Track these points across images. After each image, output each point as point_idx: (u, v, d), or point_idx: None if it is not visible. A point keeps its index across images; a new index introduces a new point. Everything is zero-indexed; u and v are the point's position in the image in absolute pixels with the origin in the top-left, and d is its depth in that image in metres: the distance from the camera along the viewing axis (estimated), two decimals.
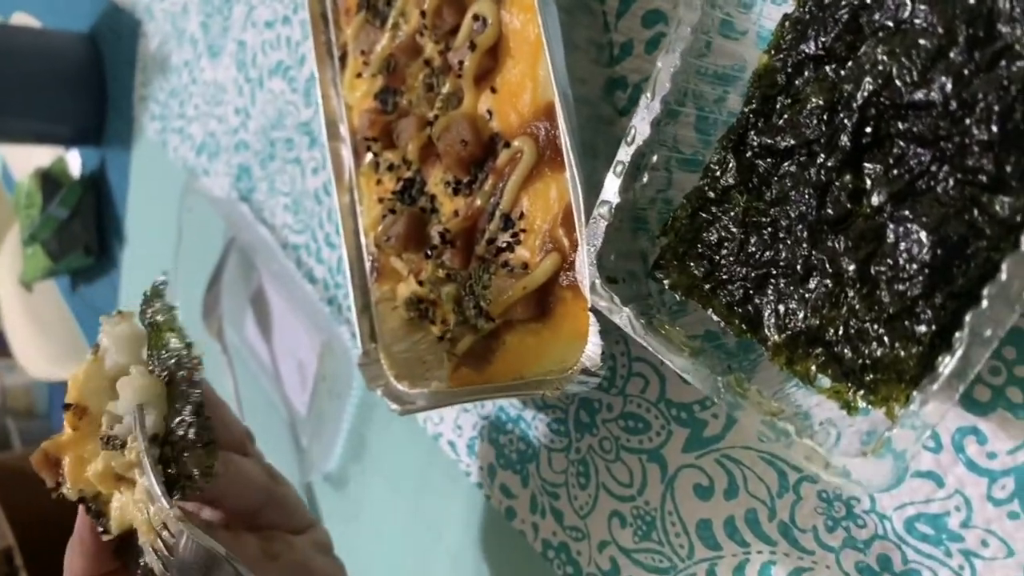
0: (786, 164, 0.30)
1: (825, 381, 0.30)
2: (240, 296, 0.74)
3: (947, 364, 0.24)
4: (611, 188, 0.32)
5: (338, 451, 0.64)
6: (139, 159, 0.97)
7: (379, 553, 0.62)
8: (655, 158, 0.32)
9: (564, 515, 0.47)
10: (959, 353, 0.24)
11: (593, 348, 0.34)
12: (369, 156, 0.47)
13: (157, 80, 0.91)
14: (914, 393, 0.25)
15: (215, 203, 0.75)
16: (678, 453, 0.40)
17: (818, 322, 0.29)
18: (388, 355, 0.47)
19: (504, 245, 0.39)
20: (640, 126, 0.31)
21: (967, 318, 0.24)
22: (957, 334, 0.24)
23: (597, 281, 0.33)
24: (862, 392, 0.28)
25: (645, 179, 0.32)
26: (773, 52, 0.30)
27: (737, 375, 0.30)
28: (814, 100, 0.29)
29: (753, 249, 0.31)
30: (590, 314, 0.34)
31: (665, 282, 0.33)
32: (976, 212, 0.25)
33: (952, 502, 0.31)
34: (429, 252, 0.42)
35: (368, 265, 0.48)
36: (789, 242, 0.29)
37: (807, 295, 0.29)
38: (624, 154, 0.32)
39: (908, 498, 0.32)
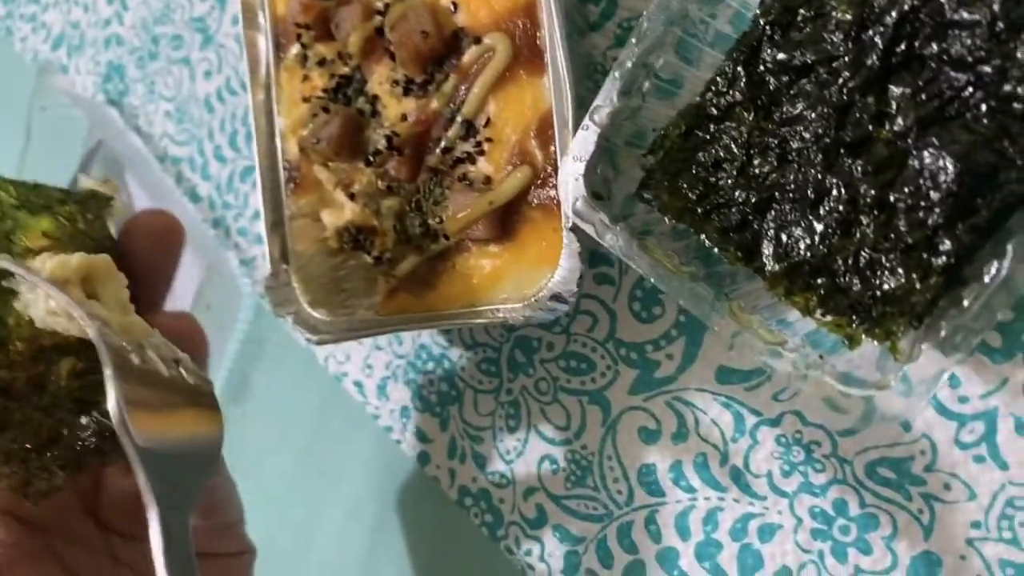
0: (803, 81, 0.28)
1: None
2: None
3: (981, 293, 0.23)
4: (609, 92, 0.29)
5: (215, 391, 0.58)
6: None
7: (258, 507, 0.57)
8: (660, 62, 0.29)
9: (487, 460, 0.44)
10: (997, 280, 0.23)
11: (568, 272, 0.31)
12: (295, 48, 0.41)
13: None
14: (941, 323, 0.24)
15: (79, 103, 0.65)
16: (624, 395, 0.38)
17: (826, 251, 0.27)
18: (302, 279, 0.42)
19: (463, 156, 0.35)
20: (653, 23, 0.28)
21: (1009, 246, 0.23)
22: (995, 263, 0.23)
23: (583, 196, 0.29)
24: (866, 326, 0.26)
25: (646, 86, 0.29)
26: None
27: (737, 302, 0.28)
28: (840, 14, 0.27)
29: (757, 171, 0.29)
30: (570, 234, 0.31)
31: (654, 204, 0.30)
32: (1007, 142, 0.24)
33: (918, 446, 0.31)
34: (371, 159, 0.37)
35: (283, 175, 0.42)
36: (799, 165, 0.28)
37: (815, 222, 0.27)
38: (629, 54, 0.28)
39: (872, 442, 0.32)
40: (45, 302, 0.30)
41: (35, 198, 0.32)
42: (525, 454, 0.42)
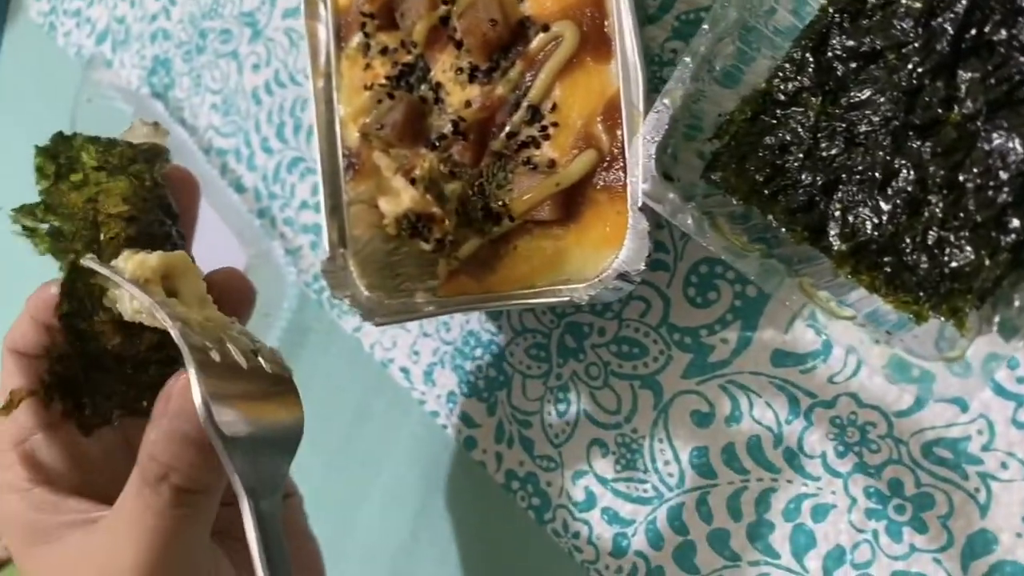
0: (871, 67, 0.29)
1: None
2: None
3: None
4: (682, 76, 0.30)
5: None
6: (13, 44, 0.85)
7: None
8: (730, 48, 0.30)
9: (535, 444, 0.44)
10: None
11: (634, 252, 0.32)
12: (358, 37, 0.42)
13: None
14: (1013, 297, 0.25)
15: (124, 95, 0.66)
16: (676, 379, 0.39)
17: (893, 230, 0.28)
18: (358, 263, 0.43)
19: (528, 140, 0.36)
20: (727, 10, 0.29)
21: None
22: None
23: (654, 176, 0.30)
24: (933, 302, 0.27)
25: (718, 68, 0.30)
26: None
27: (805, 278, 0.29)
28: (910, 2, 0.28)
29: (824, 154, 0.29)
30: (638, 214, 0.31)
31: (722, 185, 0.31)
32: None
33: (975, 426, 0.32)
34: (436, 143, 0.38)
35: (343, 162, 0.43)
36: (867, 147, 0.29)
37: (882, 203, 0.28)
38: (702, 39, 0.30)
39: (929, 423, 0.33)
40: (130, 301, 0.31)
41: (111, 158, 0.33)
42: (574, 438, 0.43)
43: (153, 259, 0.32)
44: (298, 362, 0.58)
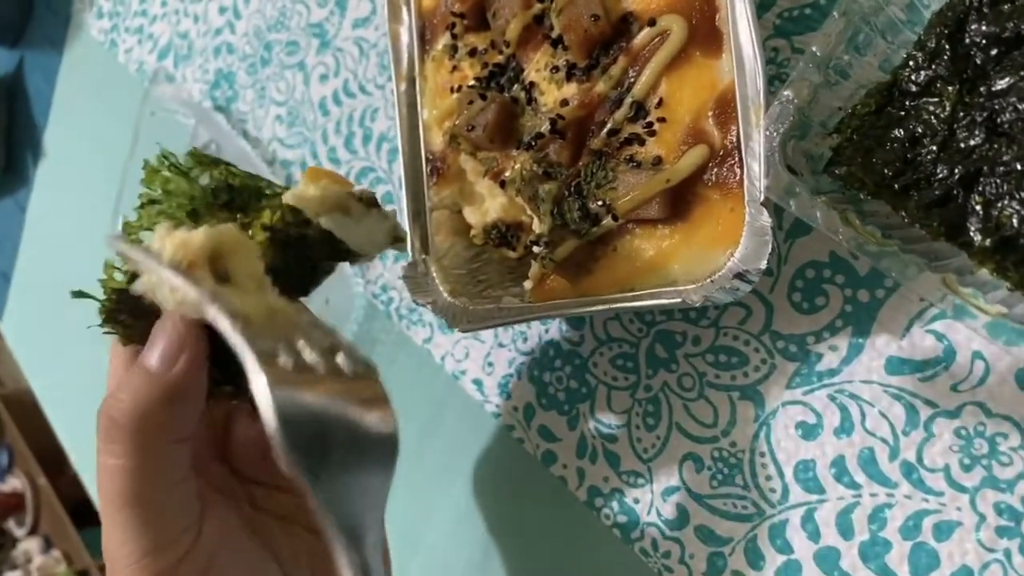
0: (1015, 53, 0.27)
1: None
2: None
3: None
4: (807, 67, 0.29)
5: None
6: (73, 62, 0.86)
7: None
8: (861, 37, 0.29)
9: (621, 459, 0.43)
10: None
11: (752, 251, 0.30)
12: (444, 39, 0.41)
13: None
14: None
15: (189, 108, 0.66)
16: (780, 389, 0.37)
17: None
18: (441, 269, 0.42)
19: (631, 137, 0.34)
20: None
21: None
22: None
23: (780, 170, 0.29)
24: None
25: (846, 58, 0.29)
26: None
27: (948, 275, 0.27)
28: None
29: (962, 145, 0.28)
30: (759, 209, 0.30)
31: (847, 180, 0.30)
32: None
33: None
34: (533, 143, 0.37)
35: (426, 166, 0.42)
36: (1012, 137, 0.27)
37: None
38: (834, 26, 0.28)
39: None
40: (171, 292, 0.26)
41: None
42: (665, 452, 0.41)
43: (198, 236, 0.26)
44: None
